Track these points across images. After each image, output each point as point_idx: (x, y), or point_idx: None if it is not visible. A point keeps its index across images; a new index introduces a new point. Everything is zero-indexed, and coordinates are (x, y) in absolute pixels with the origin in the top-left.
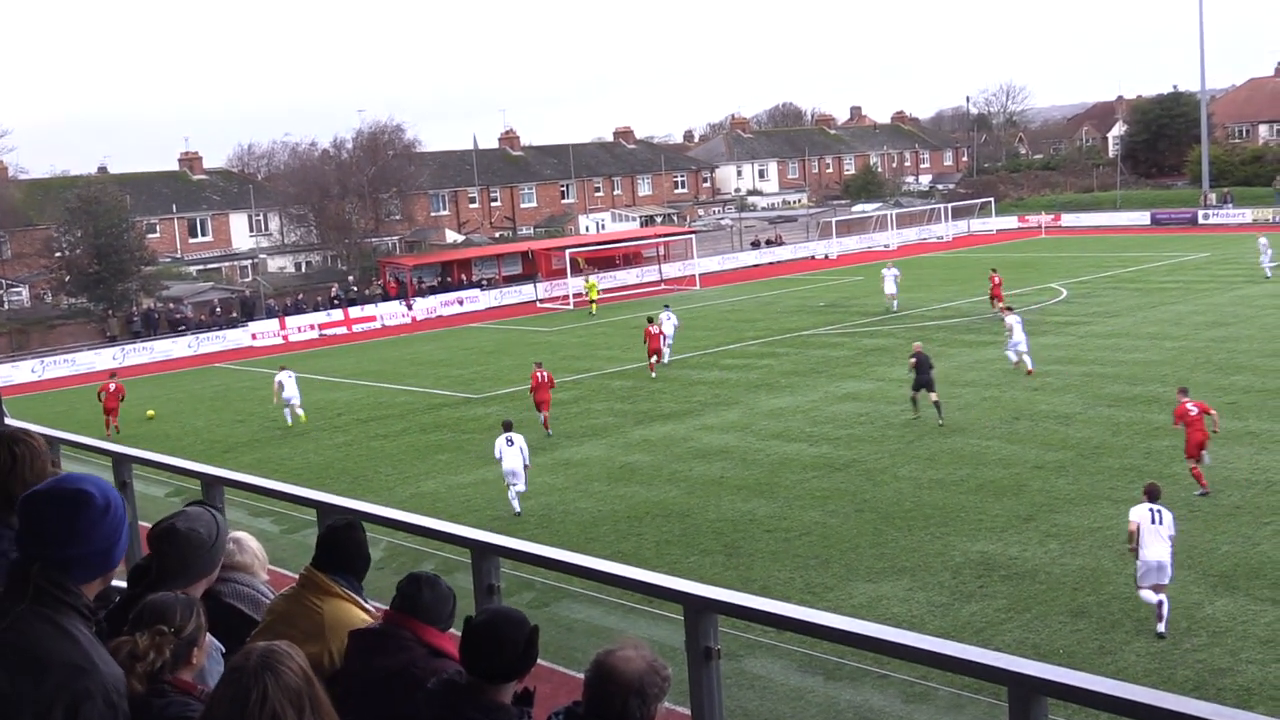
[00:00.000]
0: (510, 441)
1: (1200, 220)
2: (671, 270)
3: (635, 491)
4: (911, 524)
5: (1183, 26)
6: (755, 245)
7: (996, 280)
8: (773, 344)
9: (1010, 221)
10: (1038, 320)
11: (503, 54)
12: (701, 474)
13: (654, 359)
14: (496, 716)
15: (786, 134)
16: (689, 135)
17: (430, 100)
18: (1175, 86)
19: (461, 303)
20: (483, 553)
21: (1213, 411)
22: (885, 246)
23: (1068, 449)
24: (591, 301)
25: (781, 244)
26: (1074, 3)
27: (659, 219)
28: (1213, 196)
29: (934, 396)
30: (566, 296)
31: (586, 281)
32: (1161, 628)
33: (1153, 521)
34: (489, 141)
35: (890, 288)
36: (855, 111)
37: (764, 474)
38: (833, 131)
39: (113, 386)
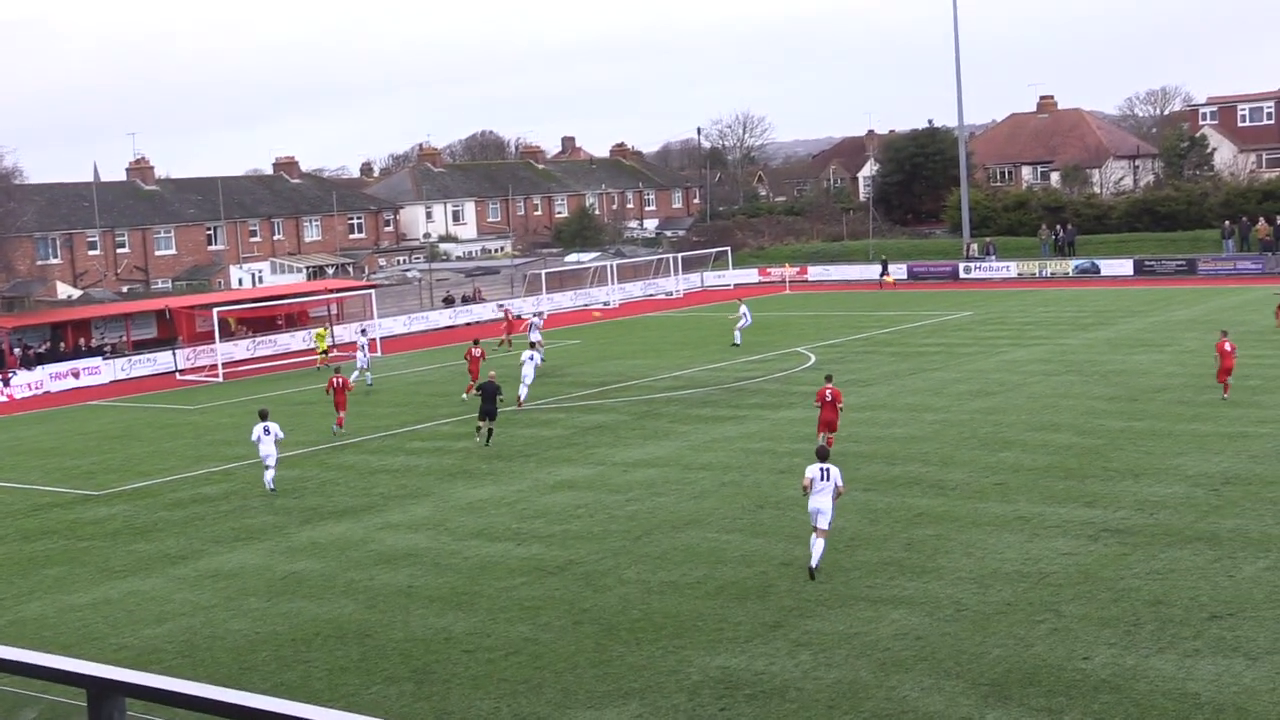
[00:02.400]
0: (267, 430)
1: (961, 274)
2: (346, 333)
3: (302, 608)
4: (640, 636)
5: (938, 56)
6: (449, 302)
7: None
8: (470, 423)
9: (750, 274)
10: (782, 390)
11: (131, 63)
12: (385, 583)
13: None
14: None
15: (486, 168)
16: (367, 169)
17: (36, 120)
18: (931, 121)
19: (77, 375)
20: (104, 693)
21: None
22: (604, 304)
23: None
24: (322, 353)
25: (480, 300)
26: (817, 26)
27: (330, 270)
28: (974, 247)
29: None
30: (215, 366)
31: (316, 334)
32: (813, 563)
33: (821, 478)
34: (114, 173)
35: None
36: (568, 143)
37: (462, 581)
38: (542, 166)
39: None
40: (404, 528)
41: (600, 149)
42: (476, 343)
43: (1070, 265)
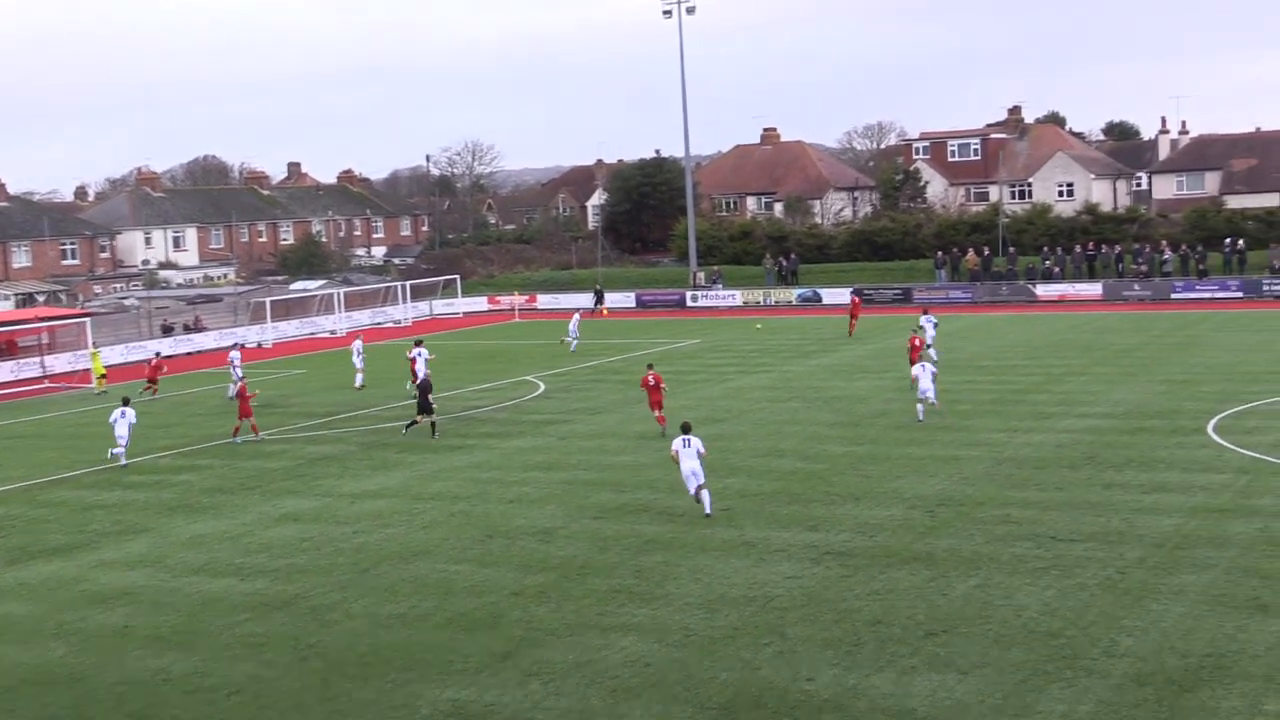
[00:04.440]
0: (124, 414)
1: (689, 303)
2: (59, 363)
3: (5, 654)
4: (369, 671)
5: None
6: (168, 330)
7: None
8: (191, 454)
9: (479, 303)
10: (512, 420)
11: None
12: (99, 625)
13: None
14: None
15: (209, 194)
16: (82, 193)
17: None
18: (658, 151)
19: None
20: None
21: None
22: (331, 333)
23: (549, 570)
24: (100, 376)
25: (203, 329)
26: (547, 57)
27: (41, 298)
28: (701, 275)
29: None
30: None
31: (91, 353)
32: (708, 510)
33: (685, 446)
34: None
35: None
36: (294, 169)
37: (182, 619)
38: (266, 192)
39: None
40: (120, 565)
41: (327, 175)
42: (419, 342)
43: (793, 294)
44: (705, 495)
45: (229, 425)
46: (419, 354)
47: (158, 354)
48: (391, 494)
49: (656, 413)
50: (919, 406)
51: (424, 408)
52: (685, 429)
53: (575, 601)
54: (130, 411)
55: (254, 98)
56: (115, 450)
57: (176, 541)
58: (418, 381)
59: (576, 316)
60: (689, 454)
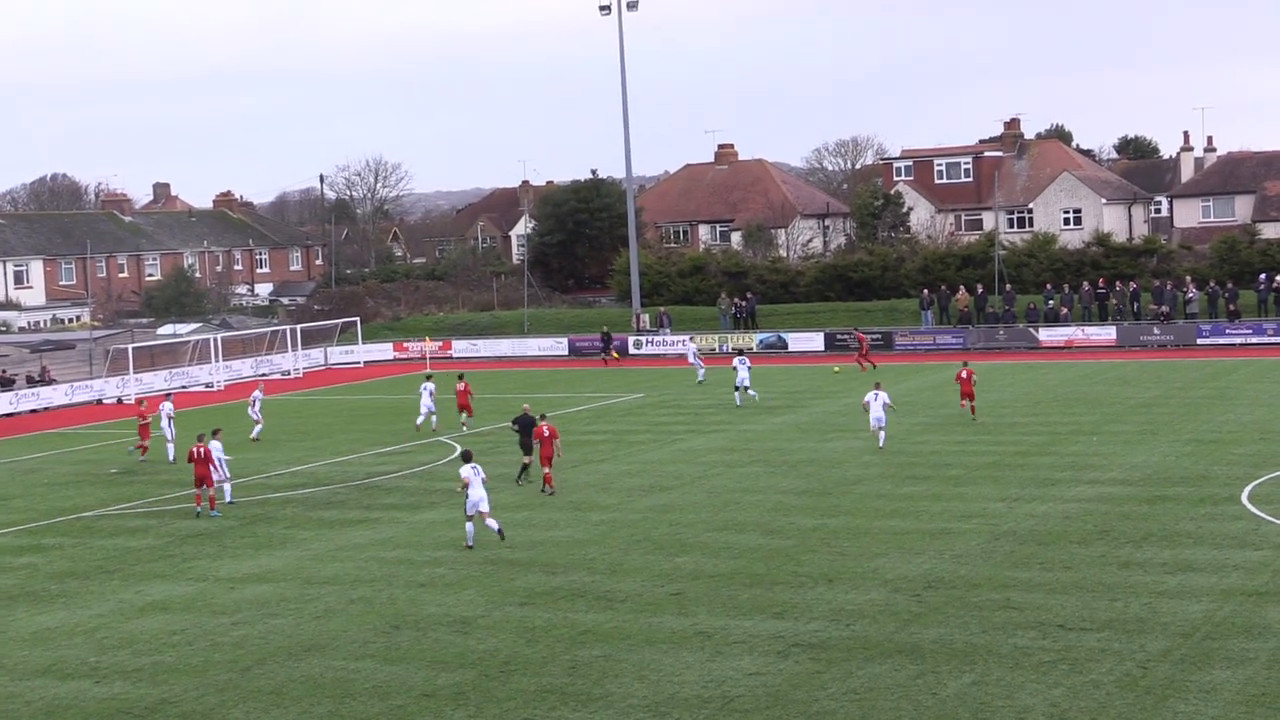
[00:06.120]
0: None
1: (631, 349)
2: None
3: None
4: None
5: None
6: (7, 384)
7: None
8: (37, 533)
9: (384, 349)
10: (423, 488)
11: None
12: None
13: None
14: None
15: (58, 220)
16: None
17: None
18: (595, 172)
19: None
20: None
21: None
22: (207, 387)
23: (467, 667)
24: None
25: (51, 382)
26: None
27: None
28: (645, 318)
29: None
30: None
31: None
32: (495, 527)
33: (474, 473)
34: None
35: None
36: (161, 191)
37: None
38: (128, 219)
39: None
40: None
41: (202, 199)
42: (461, 377)
43: (754, 339)
44: (493, 522)
45: (84, 496)
46: (426, 389)
47: None
48: (279, 577)
49: (545, 469)
50: (880, 434)
51: (527, 447)
52: (467, 457)
53: (498, 704)
54: (217, 445)
55: (113, 104)
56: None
57: (17, 638)
58: (514, 419)
59: (693, 349)
60: (476, 480)
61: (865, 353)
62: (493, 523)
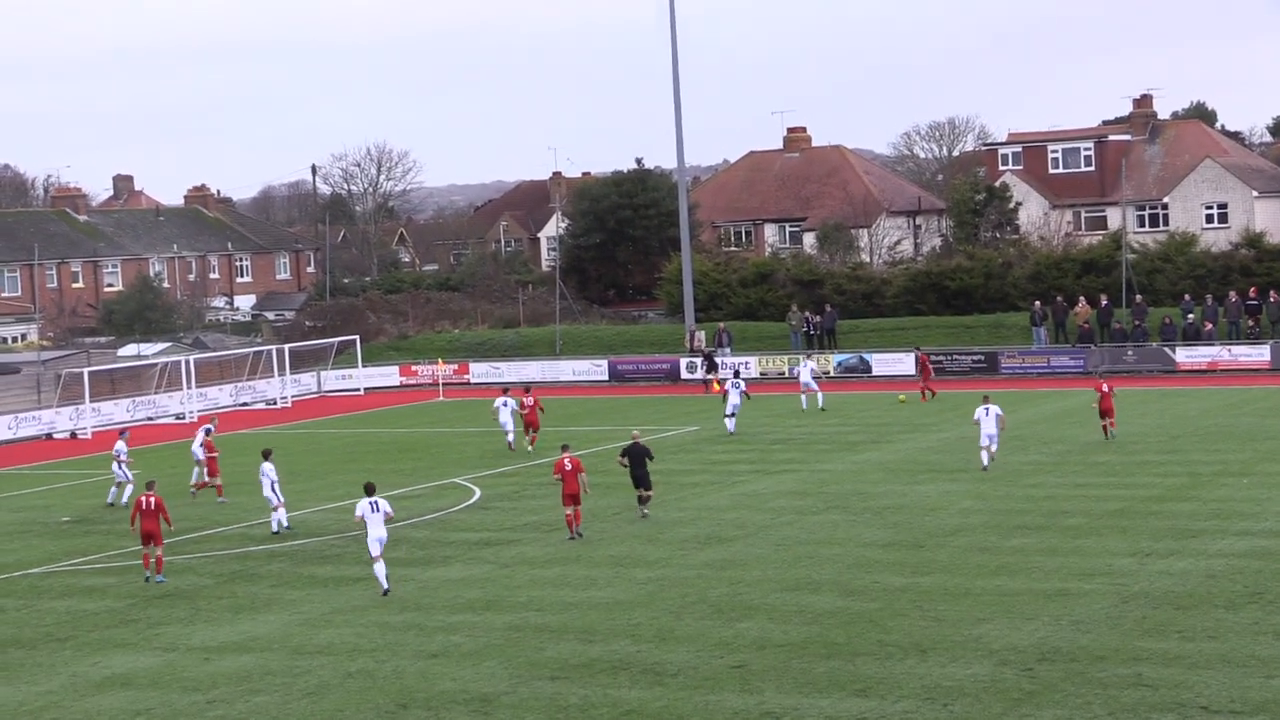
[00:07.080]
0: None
1: (684, 374)
2: None
3: None
4: None
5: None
6: None
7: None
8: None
9: (389, 373)
10: (435, 539)
11: None
12: None
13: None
14: None
15: (0, 220)
16: None
17: None
18: (640, 161)
19: None
20: None
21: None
22: (178, 418)
23: None
24: None
25: None
26: (480, 35)
27: None
28: (701, 336)
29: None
30: None
31: None
32: (380, 574)
33: (372, 510)
34: None
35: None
36: (123, 185)
37: None
38: (84, 218)
39: None
40: None
41: (172, 194)
42: (528, 390)
43: (831, 361)
44: (379, 569)
45: (30, 550)
46: (504, 403)
47: None
48: (263, 646)
49: (568, 510)
50: (983, 453)
51: (640, 481)
52: (369, 490)
53: None
54: (268, 467)
55: (64, 83)
56: (277, 512)
57: None
58: (622, 450)
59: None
60: (375, 520)
61: (927, 378)
62: (380, 569)
